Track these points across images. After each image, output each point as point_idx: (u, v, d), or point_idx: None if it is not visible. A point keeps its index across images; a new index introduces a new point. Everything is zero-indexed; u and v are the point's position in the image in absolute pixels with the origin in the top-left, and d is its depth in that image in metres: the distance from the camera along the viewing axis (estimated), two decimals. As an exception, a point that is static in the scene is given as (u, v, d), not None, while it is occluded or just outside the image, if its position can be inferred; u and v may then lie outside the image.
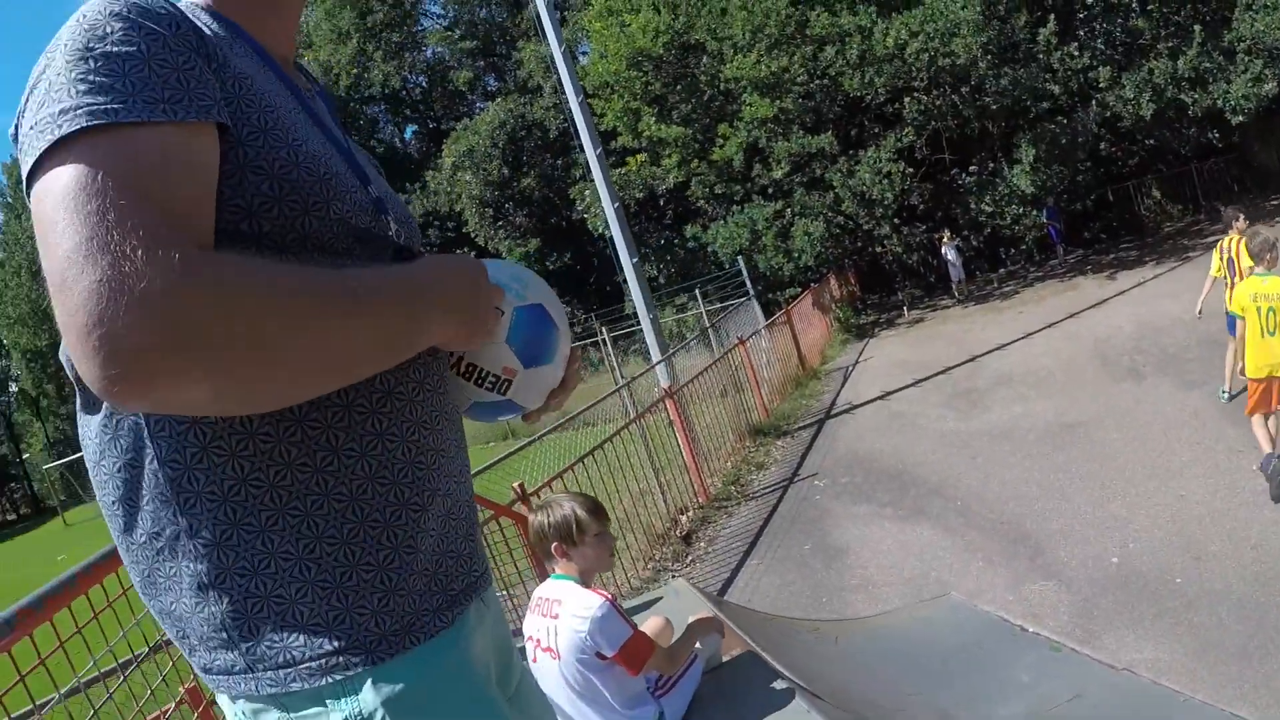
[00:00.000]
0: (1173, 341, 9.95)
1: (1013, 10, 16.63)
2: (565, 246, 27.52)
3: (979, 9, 15.69)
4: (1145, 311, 11.57)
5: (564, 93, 11.41)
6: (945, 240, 18.71)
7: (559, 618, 2.49)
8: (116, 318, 0.69)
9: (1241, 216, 7.52)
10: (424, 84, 35.20)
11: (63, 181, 0.74)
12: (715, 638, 2.96)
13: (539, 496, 5.32)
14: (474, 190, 26.03)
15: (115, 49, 0.79)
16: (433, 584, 1.03)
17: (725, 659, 3.01)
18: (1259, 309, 5.66)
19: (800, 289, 18.19)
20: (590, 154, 11.07)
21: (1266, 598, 4.45)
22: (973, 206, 18.91)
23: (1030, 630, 3.40)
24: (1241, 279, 6.43)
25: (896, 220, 18.58)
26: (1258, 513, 5.39)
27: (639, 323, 11.73)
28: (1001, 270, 21.00)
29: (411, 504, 1.00)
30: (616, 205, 11.01)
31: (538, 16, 11.25)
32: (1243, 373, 5.94)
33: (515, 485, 5.26)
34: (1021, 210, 18.31)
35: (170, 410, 0.88)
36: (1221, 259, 7.52)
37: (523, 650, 2.57)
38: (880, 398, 10.96)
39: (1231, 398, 7.27)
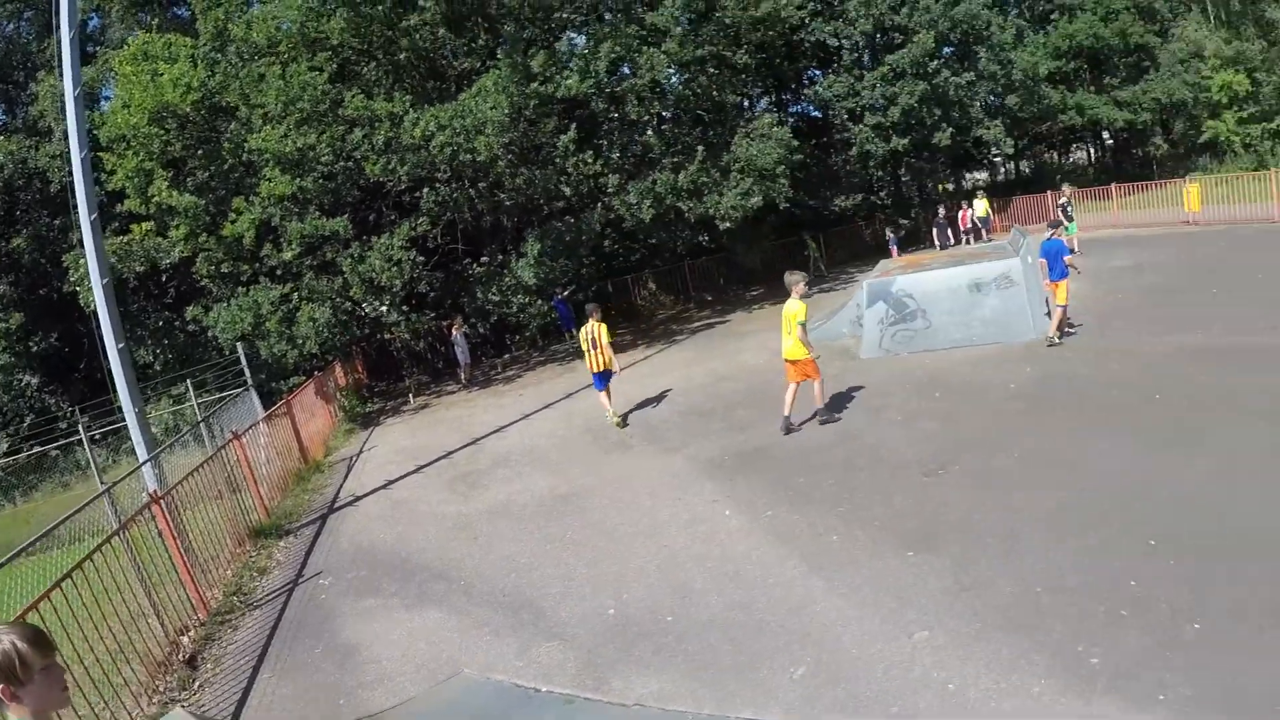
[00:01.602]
0: (655, 415, 11.24)
1: (542, 116, 17.95)
2: (54, 324, 23.31)
3: (506, 111, 16.97)
4: (634, 390, 12.99)
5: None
6: (455, 327, 19.27)
7: None
8: None
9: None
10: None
11: None
12: None
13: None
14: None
15: None
16: None
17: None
18: None
19: (305, 377, 17.38)
20: (84, 217, 9.63)
21: (746, 617, 5.11)
22: (479, 295, 20.12)
23: (544, 690, 3.51)
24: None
25: (405, 307, 19.04)
26: (732, 549, 6.19)
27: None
28: (506, 356, 22.22)
29: None
30: (106, 280, 9.67)
31: (58, 43, 9.62)
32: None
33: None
34: (526, 300, 19.81)
35: None
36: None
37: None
38: (383, 487, 10.85)
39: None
